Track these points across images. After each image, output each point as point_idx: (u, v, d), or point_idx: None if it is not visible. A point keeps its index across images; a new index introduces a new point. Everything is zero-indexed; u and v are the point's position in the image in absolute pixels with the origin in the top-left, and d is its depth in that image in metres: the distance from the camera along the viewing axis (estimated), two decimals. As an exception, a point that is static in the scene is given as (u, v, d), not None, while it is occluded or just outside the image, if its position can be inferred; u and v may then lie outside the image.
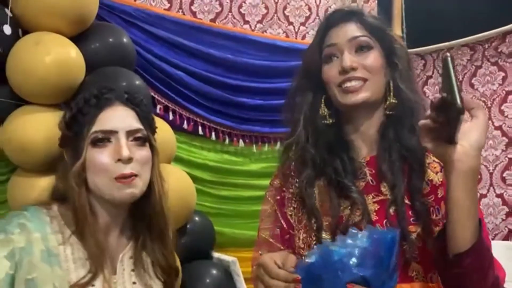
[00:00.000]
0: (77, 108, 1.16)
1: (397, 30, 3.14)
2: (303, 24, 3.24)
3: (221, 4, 2.95)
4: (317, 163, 1.17)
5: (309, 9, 3.27)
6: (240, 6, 3.01)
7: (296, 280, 0.94)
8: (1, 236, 1.06)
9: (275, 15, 3.12)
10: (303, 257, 1.05)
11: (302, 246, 1.15)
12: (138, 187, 1.13)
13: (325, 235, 1.12)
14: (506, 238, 2.66)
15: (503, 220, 2.72)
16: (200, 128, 2.72)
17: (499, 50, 2.79)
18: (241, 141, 2.79)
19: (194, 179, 2.57)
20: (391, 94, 1.16)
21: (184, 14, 2.84)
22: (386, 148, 1.15)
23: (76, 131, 1.14)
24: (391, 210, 1.11)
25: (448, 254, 0.99)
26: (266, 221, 1.23)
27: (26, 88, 2.03)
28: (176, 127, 2.62)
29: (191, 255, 2.44)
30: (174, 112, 2.69)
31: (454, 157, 0.94)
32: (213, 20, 2.92)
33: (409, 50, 3.09)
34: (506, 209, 2.71)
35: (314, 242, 1.12)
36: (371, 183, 1.16)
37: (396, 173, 1.13)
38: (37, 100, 2.07)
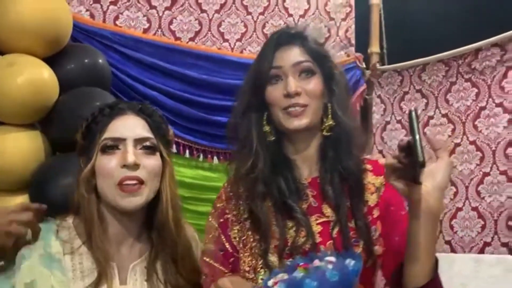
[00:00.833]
0: (92, 117, 1.20)
1: (375, 47, 3.19)
2: (281, 42, 3.26)
3: (200, 23, 3.00)
4: (266, 181, 1.19)
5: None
6: (219, 25, 3.06)
7: None
8: None
9: (254, 33, 3.16)
10: (257, 284, 1.08)
11: (247, 269, 1.15)
12: (143, 196, 1.15)
13: (272, 258, 1.13)
14: (481, 251, 2.67)
15: (478, 233, 2.74)
16: (174, 146, 2.72)
17: (472, 66, 2.83)
18: (215, 157, 2.81)
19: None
20: (329, 116, 1.19)
21: (163, 33, 2.87)
22: (327, 170, 1.18)
23: (90, 140, 1.18)
24: (334, 232, 1.13)
25: None
26: (210, 243, 1.23)
27: (0, 109, 2.07)
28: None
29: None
30: (148, 131, 2.70)
31: (417, 197, 0.96)
32: (192, 39, 2.95)
33: (387, 67, 3.17)
34: (482, 222, 2.73)
35: (260, 266, 1.13)
36: (313, 204, 1.18)
37: (339, 194, 1.16)
38: (11, 121, 2.11)
